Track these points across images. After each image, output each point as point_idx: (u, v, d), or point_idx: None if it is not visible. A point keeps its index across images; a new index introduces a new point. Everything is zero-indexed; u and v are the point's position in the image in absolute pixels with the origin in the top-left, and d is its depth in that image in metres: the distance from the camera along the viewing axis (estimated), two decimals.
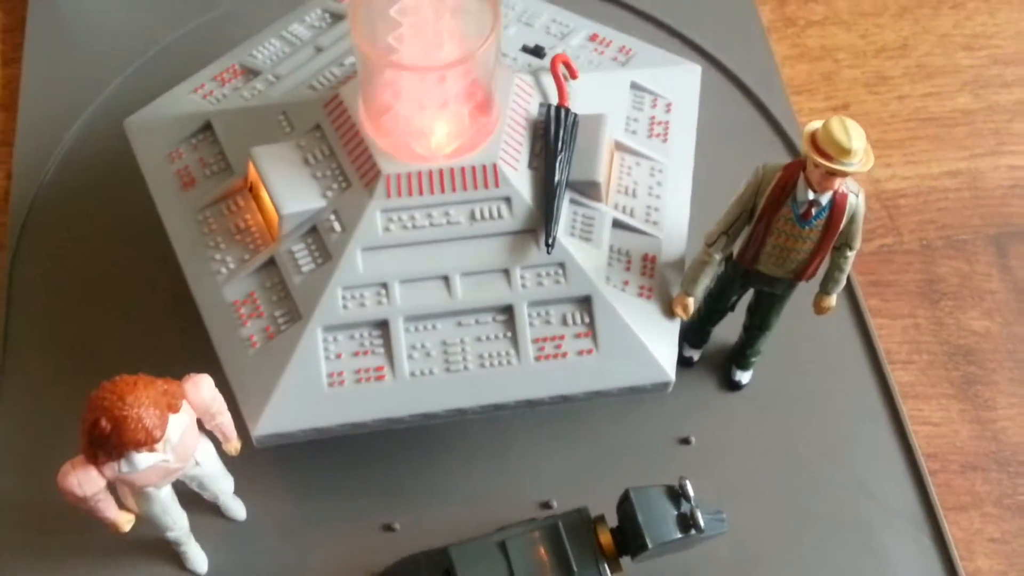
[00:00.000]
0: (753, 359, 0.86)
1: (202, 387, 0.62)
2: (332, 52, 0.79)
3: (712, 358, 0.88)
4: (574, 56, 0.80)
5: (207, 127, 0.77)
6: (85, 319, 0.86)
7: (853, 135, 0.63)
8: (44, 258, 0.89)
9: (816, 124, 0.65)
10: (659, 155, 0.78)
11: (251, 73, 0.80)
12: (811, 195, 0.67)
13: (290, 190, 0.70)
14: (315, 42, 0.81)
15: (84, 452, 0.58)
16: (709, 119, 0.88)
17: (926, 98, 1.07)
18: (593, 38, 0.84)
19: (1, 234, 0.92)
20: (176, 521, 0.70)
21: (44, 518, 0.78)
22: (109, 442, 0.55)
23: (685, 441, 0.83)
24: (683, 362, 0.87)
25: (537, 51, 0.78)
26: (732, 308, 0.81)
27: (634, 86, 0.80)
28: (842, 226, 0.69)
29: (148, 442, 0.55)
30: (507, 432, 0.84)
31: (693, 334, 0.86)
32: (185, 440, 0.60)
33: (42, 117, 0.97)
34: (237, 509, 0.78)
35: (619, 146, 0.77)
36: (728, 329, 0.86)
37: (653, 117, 0.80)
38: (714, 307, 0.81)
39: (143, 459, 0.59)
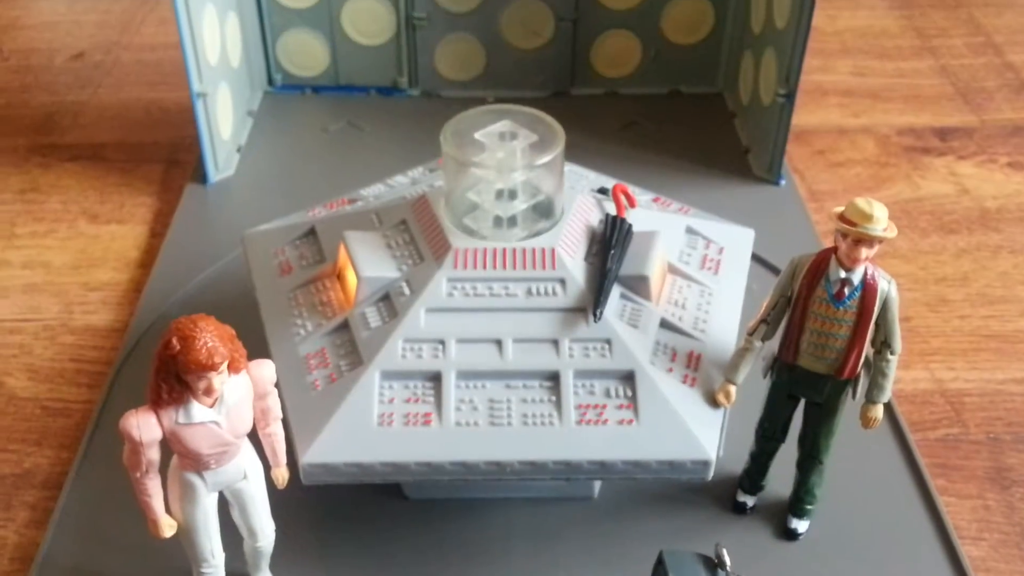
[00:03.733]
0: (809, 506, 0.84)
1: (264, 366, 0.66)
2: (425, 182, 0.91)
3: (768, 508, 0.87)
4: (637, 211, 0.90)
5: (311, 232, 0.88)
6: None
7: (875, 205, 0.70)
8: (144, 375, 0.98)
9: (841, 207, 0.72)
10: (710, 283, 0.84)
11: (356, 202, 0.92)
12: (843, 274, 0.72)
13: (371, 261, 0.79)
14: (412, 180, 0.94)
15: (150, 392, 0.63)
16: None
17: (988, 319, 1.11)
18: (656, 200, 0.94)
19: (115, 356, 1.03)
20: (215, 554, 0.71)
21: None
22: (176, 363, 0.60)
23: None
24: (737, 508, 0.87)
25: (603, 191, 0.88)
26: (784, 434, 0.82)
27: (689, 230, 0.89)
28: (876, 310, 0.72)
29: (208, 366, 0.60)
30: (552, 565, 0.82)
31: (748, 478, 0.86)
32: (240, 411, 0.64)
33: (171, 273, 1.11)
34: None
35: (672, 269, 0.84)
36: (782, 483, 0.86)
37: (706, 256, 0.87)
38: (766, 433, 0.82)
39: (198, 411, 0.63)
